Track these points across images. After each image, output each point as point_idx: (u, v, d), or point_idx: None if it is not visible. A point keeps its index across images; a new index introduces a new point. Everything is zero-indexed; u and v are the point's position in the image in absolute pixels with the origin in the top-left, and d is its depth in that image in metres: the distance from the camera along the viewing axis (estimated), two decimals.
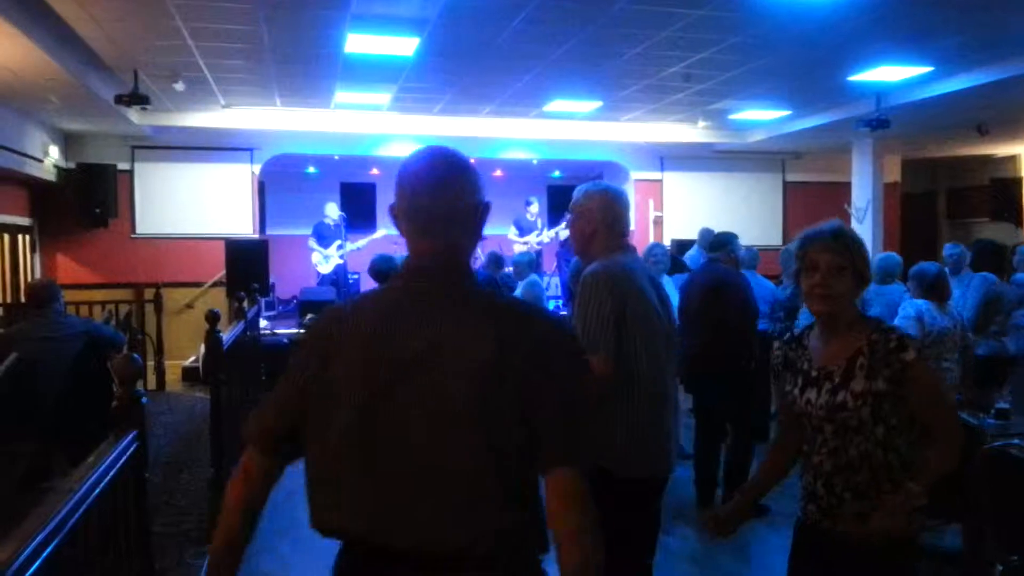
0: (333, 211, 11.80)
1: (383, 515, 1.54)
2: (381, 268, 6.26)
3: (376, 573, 1.57)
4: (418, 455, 1.53)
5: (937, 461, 2.29)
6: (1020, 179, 13.61)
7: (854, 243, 2.34)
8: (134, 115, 9.61)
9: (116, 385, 5.03)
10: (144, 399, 2.56)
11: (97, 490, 2.05)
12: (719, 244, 5.85)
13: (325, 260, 11.59)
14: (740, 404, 5.61)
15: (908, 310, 5.12)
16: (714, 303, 5.45)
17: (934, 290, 5.03)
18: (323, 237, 11.66)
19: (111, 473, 2.18)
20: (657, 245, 7.04)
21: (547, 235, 12.16)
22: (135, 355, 2.69)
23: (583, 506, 1.56)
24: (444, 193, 1.68)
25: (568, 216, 3.16)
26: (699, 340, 5.38)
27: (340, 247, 11.63)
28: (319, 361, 1.63)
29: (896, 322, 5.47)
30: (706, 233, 9.06)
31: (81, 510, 1.89)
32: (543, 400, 1.55)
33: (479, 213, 1.72)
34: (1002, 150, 13.45)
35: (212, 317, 4.59)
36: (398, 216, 1.73)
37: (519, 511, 1.57)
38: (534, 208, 12.31)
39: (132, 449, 2.40)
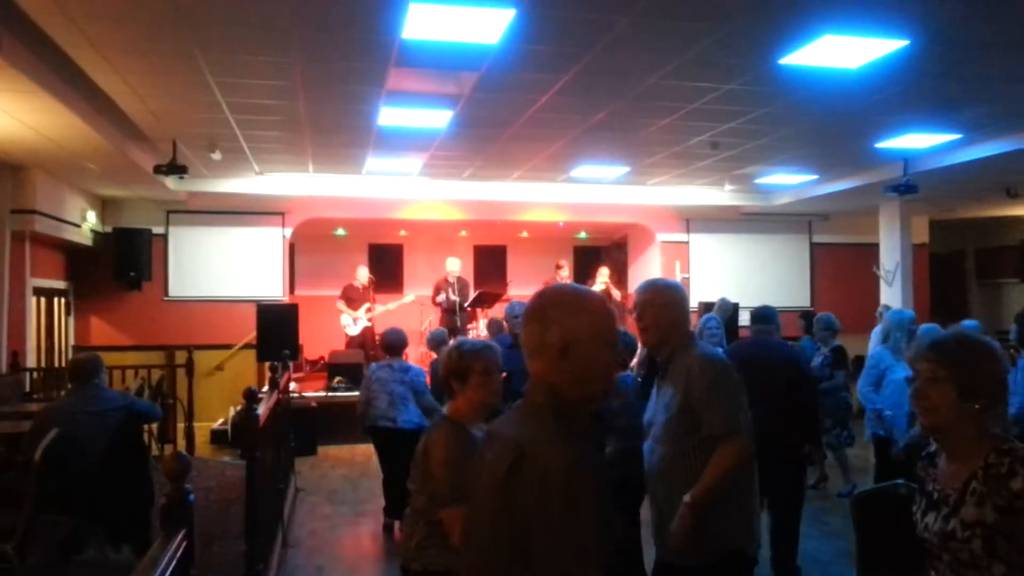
0: (363, 274, 11.90)
1: None
2: (392, 340, 6.59)
3: None
4: None
5: None
6: None
7: (959, 354, 2.10)
8: (170, 181, 9.81)
9: (153, 463, 5.06)
10: (191, 496, 2.57)
11: None
12: (769, 317, 5.51)
13: (353, 323, 11.65)
14: (796, 486, 5.30)
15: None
16: (778, 380, 5.08)
17: None
18: (352, 299, 11.74)
19: None
20: (711, 318, 6.82)
21: None
22: (183, 453, 2.72)
23: None
24: (525, 337, 1.82)
25: (635, 307, 3.25)
26: (761, 419, 5.08)
27: (369, 309, 11.70)
28: None
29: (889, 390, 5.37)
30: (724, 303, 8.99)
31: None
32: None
33: (556, 350, 1.74)
34: None
35: (250, 395, 4.62)
36: None
37: None
38: (564, 272, 12.33)
39: (181, 550, 2.42)
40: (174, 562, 2.31)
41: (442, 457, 2.92)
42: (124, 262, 10.59)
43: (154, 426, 8.07)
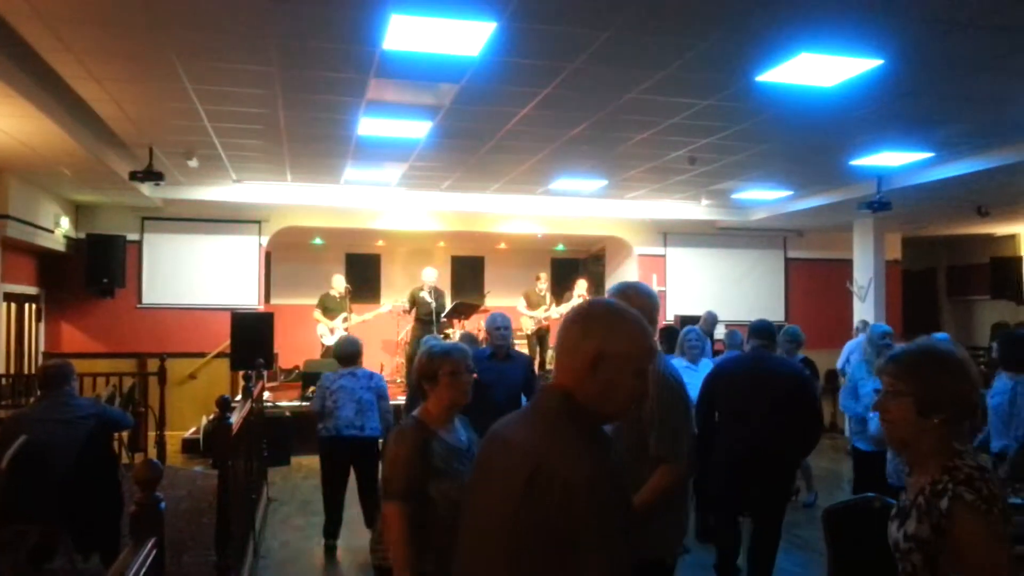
0: (339, 283, 11.82)
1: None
2: (348, 351, 6.51)
3: None
4: None
5: None
6: (1020, 258, 13.74)
7: (919, 367, 2.09)
8: (146, 188, 9.75)
9: (123, 471, 4.98)
10: (162, 504, 2.55)
11: None
12: (768, 332, 5.41)
13: (330, 333, 11.58)
14: (783, 500, 5.27)
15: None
16: (778, 393, 5.04)
17: None
18: (328, 309, 11.67)
19: None
20: (692, 329, 6.86)
21: (556, 310, 12.15)
22: (154, 460, 2.70)
23: None
24: (562, 335, 1.84)
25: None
26: (761, 433, 4.96)
27: (345, 319, 11.64)
28: None
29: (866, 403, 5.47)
30: (709, 316, 9.06)
31: None
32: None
33: (590, 359, 1.74)
34: (1002, 229, 13.61)
35: (222, 403, 4.57)
36: None
37: None
38: (543, 283, 12.36)
39: (151, 558, 2.39)
40: (143, 571, 2.29)
41: (393, 453, 2.98)
42: (97, 269, 10.48)
43: (125, 434, 7.97)
